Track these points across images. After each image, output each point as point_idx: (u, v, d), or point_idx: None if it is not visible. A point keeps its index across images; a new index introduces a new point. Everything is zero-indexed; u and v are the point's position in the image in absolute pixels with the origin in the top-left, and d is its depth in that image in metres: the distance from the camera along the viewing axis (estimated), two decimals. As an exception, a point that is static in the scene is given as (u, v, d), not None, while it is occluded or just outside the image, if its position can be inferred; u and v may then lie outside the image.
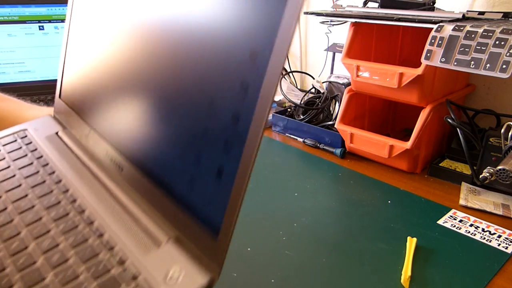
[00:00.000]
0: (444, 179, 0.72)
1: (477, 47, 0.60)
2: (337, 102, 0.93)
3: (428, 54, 0.64)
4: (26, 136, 0.50)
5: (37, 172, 0.43)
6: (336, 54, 1.06)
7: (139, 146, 0.38)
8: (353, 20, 0.80)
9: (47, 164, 0.44)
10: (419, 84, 0.68)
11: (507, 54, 0.57)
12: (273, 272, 0.48)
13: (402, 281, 0.47)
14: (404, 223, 0.58)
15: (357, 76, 0.75)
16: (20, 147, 0.48)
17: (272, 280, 0.47)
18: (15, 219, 0.36)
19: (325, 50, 1.10)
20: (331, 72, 1.06)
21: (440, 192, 0.68)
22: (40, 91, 1.03)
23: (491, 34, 0.59)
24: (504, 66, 0.57)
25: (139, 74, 0.39)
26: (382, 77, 0.70)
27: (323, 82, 1.00)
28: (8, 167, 0.44)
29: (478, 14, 0.75)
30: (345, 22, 1.06)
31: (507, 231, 0.57)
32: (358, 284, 0.47)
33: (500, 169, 0.58)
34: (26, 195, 0.39)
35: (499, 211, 0.61)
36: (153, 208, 0.35)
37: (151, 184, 0.36)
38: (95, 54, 0.46)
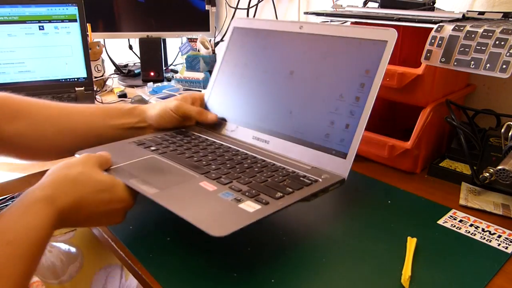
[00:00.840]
0: (444, 179, 0.72)
1: (477, 47, 0.60)
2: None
3: (428, 54, 0.64)
4: (188, 131, 0.72)
5: (211, 144, 0.66)
6: (336, 54, 1.06)
7: (286, 125, 0.64)
8: (353, 20, 0.80)
9: (214, 142, 0.67)
10: (419, 84, 0.68)
11: (507, 54, 0.57)
12: (273, 272, 0.48)
13: (402, 281, 0.46)
14: (404, 223, 0.58)
15: (357, 76, 0.75)
16: (192, 136, 0.69)
17: (272, 280, 0.47)
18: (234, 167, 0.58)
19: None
20: (331, 72, 1.06)
21: (440, 192, 0.68)
22: (40, 91, 1.03)
23: (491, 34, 0.59)
24: (504, 66, 0.57)
25: (289, 82, 0.66)
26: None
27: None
28: (189, 143, 0.66)
29: (478, 14, 0.75)
30: (345, 22, 1.06)
31: (507, 231, 0.57)
32: (358, 284, 0.47)
33: (500, 169, 0.58)
34: (223, 155, 0.62)
35: (499, 211, 0.61)
36: (296, 157, 0.61)
37: (294, 144, 0.62)
38: (246, 82, 0.71)
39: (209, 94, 0.76)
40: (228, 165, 0.58)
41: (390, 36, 0.57)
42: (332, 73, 0.61)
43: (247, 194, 0.49)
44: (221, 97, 0.74)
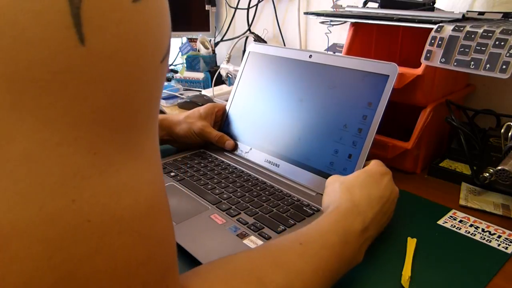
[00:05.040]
0: (444, 179, 0.72)
1: (477, 47, 0.60)
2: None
3: (428, 54, 0.64)
4: (206, 153, 0.77)
5: (225, 168, 0.71)
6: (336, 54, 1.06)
7: (295, 150, 0.68)
8: (353, 20, 0.80)
9: (229, 165, 0.72)
10: (419, 84, 0.68)
11: (507, 55, 0.57)
12: (273, 272, 0.48)
13: (402, 281, 0.47)
14: (404, 223, 0.58)
15: (357, 76, 0.75)
16: (209, 158, 0.75)
17: (272, 280, 0.47)
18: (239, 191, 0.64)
19: (325, 50, 1.10)
20: (331, 72, 1.06)
21: (440, 192, 0.68)
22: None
23: (491, 34, 0.59)
24: (504, 66, 0.57)
25: (298, 112, 0.70)
26: (382, 77, 0.70)
27: (323, 82, 1.01)
28: (206, 167, 0.72)
29: (478, 14, 0.75)
30: (345, 22, 1.06)
31: (507, 231, 0.57)
32: (358, 284, 0.47)
33: (500, 169, 0.58)
34: (236, 181, 0.66)
35: (499, 211, 0.61)
36: (303, 182, 0.66)
37: (301, 169, 0.66)
38: (259, 106, 0.76)
39: (227, 113, 0.81)
40: (239, 193, 0.62)
41: (392, 71, 0.60)
42: (337, 104, 0.65)
43: (252, 228, 0.53)
44: (237, 117, 0.80)
